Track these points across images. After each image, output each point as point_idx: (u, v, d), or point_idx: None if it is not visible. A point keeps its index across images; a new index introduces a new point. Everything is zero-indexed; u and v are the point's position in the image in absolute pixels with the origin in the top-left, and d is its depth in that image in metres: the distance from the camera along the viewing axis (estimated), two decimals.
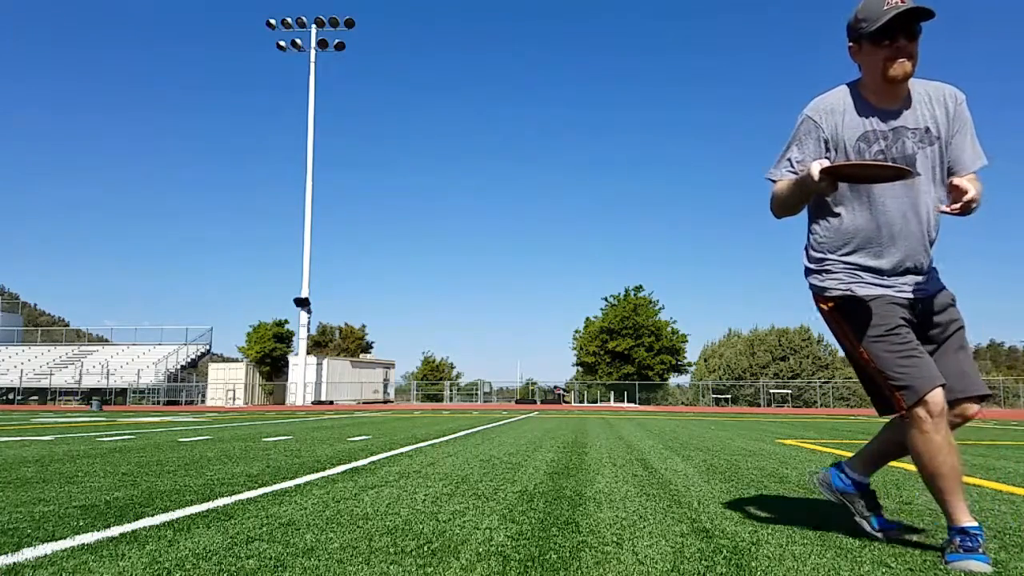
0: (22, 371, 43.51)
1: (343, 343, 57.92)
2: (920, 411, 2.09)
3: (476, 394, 48.38)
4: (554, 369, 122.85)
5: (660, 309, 44.85)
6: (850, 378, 49.27)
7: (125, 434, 9.05)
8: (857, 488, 2.45)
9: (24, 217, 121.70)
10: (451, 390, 49.81)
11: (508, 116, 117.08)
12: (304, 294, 40.97)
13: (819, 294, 2.33)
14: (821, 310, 2.36)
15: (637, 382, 42.68)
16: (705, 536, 2.45)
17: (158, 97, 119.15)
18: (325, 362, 42.44)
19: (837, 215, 2.28)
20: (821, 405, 42.82)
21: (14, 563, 2.06)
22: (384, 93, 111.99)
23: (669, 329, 44.20)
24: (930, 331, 2.27)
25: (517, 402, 41.77)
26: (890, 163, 2.06)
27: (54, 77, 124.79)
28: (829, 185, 2.10)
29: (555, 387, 44.44)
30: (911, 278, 2.25)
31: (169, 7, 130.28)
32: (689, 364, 46.74)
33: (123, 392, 41.31)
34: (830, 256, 2.30)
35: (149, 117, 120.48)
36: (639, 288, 45.63)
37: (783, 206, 2.32)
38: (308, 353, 41.28)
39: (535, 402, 41.12)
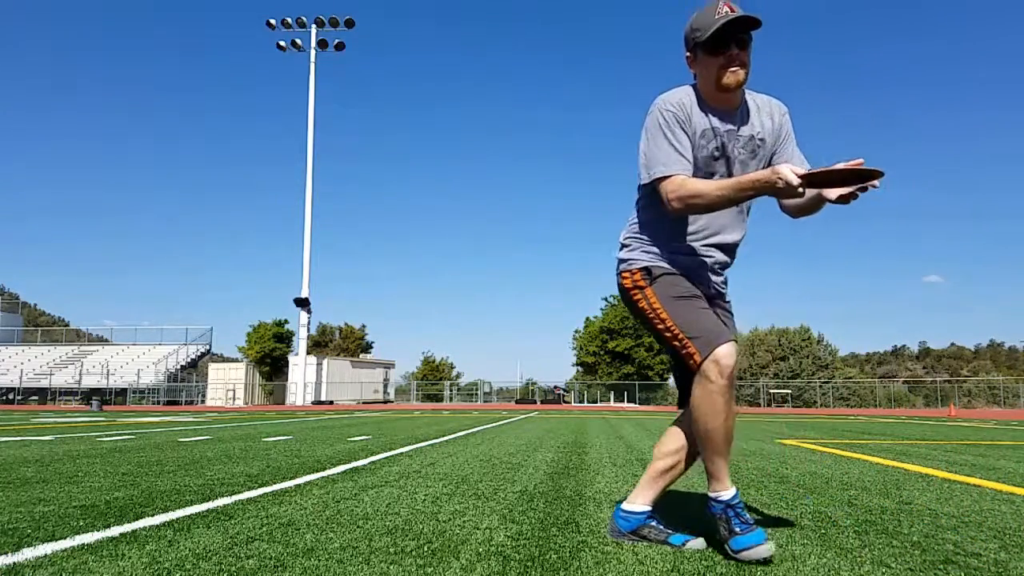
0: (22, 371, 43.50)
1: (343, 343, 57.93)
2: (711, 366, 2.14)
3: (476, 394, 48.38)
4: (554, 369, 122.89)
5: None
6: (850, 378, 49.27)
7: (125, 434, 9.05)
8: (645, 518, 2.40)
9: (24, 217, 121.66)
10: (451, 390, 49.83)
11: (508, 115, 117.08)
12: (304, 294, 40.97)
13: (627, 268, 2.39)
14: (625, 282, 2.38)
15: (637, 382, 42.67)
16: (705, 536, 2.45)
17: (158, 97, 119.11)
18: (325, 362, 42.44)
19: (663, 213, 2.32)
20: (821, 405, 42.82)
21: (14, 563, 2.06)
22: (384, 93, 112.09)
23: None
24: None
25: (517, 402, 41.78)
26: (856, 168, 2.00)
27: (54, 76, 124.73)
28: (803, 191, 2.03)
29: (555, 387, 44.46)
30: (715, 276, 2.40)
31: (169, 7, 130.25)
32: None
33: (123, 392, 41.31)
34: (648, 240, 2.38)
35: (149, 117, 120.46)
36: None
37: (708, 206, 2.17)
38: (308, 353, 41.29)
39: (535, 402, 41.12)
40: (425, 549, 2.27)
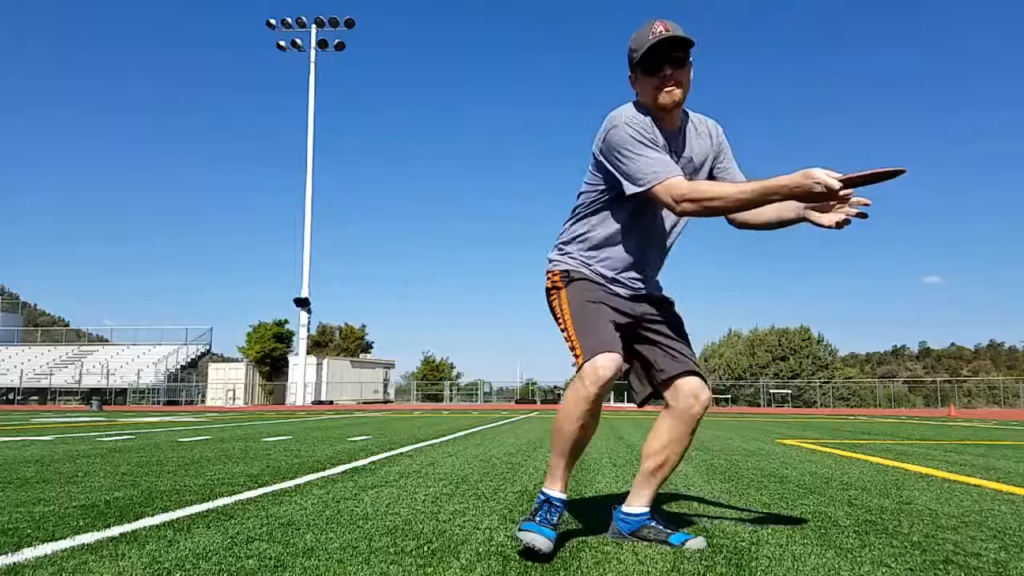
0: (22, 371, 43.49)
1: (343, 343, 57.88)
2: (589, 369, 2.15)
3: (476, 394, 48.38)
4: (554, 369, 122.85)
5: None
6: (850, 378, 49.25)
7: (125, 434, 9.05)
8: (645, 519, 2.42)
9: (24, 217, 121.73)
10: (451, 390, 49.80)
11: (508, 115, 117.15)
12: (304, 294, 40.96)
13: (550, 269, 2.46)
14: (547, 283, 2.46)
15: None
16: (705, 536, 2.45)
17: (158, 97, 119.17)
18: (325, 362, 42.42)
19: (601, 223, 2.37)
20: (821, 405, 42.81)
21: (14, 563, 2.06)
22: (384, 93, 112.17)
23: None
24: (649, 326, 2.43)
25: (517, 402, 41.78)
26: (886, 170, 2.00)
27: (55, 76, 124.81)
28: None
29: (555, 387, 44.43)
30: (637, 284, 2.41)
31: (169, 7, 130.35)
32: None
33: (123, 392, 41.30)
34: (576, 250, 2.42)
35: (149, 117, 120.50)
36: None
37: (726, 209, 2.12)
38: (308, 353, 41.27)
39: (535, 402, 41.11)
40: (425, 549, 2.27)
